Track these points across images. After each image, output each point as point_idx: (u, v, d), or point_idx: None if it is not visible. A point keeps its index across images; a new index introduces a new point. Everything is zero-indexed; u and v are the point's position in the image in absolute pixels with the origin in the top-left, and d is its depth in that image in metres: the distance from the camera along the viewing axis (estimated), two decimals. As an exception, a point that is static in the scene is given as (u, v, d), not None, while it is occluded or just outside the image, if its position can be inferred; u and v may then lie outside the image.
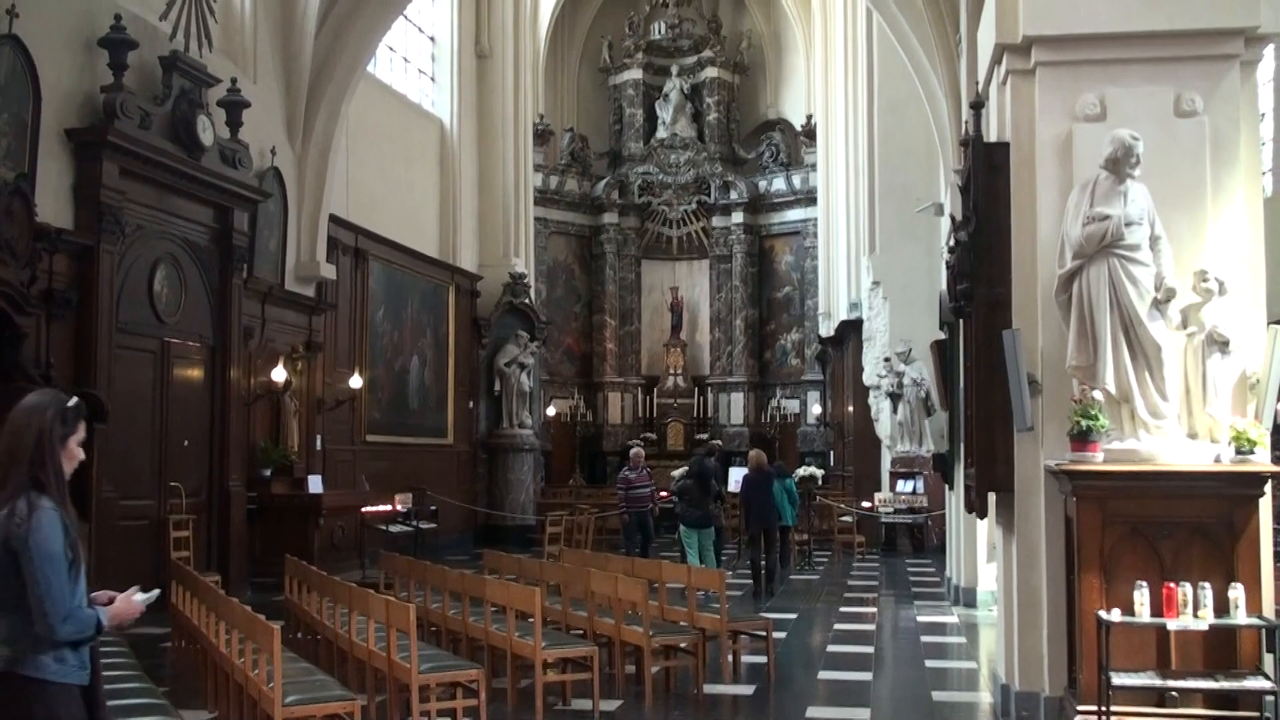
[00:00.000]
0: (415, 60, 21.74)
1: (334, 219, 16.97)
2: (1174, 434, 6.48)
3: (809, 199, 27.38)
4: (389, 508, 16.00)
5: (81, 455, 3.70)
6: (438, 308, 21.25)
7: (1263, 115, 14.86)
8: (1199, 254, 6.82)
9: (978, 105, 8.00)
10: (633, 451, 17.17)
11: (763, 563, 14.86)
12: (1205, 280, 6.64)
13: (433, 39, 22.26)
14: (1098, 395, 6.48)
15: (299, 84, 15.80)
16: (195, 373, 13.68)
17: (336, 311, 17.41)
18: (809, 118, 27.55)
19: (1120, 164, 6.58)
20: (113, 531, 11.63)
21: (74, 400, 3.69)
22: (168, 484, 12.92)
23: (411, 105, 21.26)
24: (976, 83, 8.83)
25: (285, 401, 15.60)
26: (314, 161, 16.15)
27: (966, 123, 8.83)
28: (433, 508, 17.97)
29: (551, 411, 26.11)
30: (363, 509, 15.81)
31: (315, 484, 15.26)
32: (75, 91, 11.57)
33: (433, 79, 22.23)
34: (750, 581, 14.88)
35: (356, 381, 17.58)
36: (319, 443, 16.68)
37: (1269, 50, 7.45)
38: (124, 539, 11.87)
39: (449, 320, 21.56)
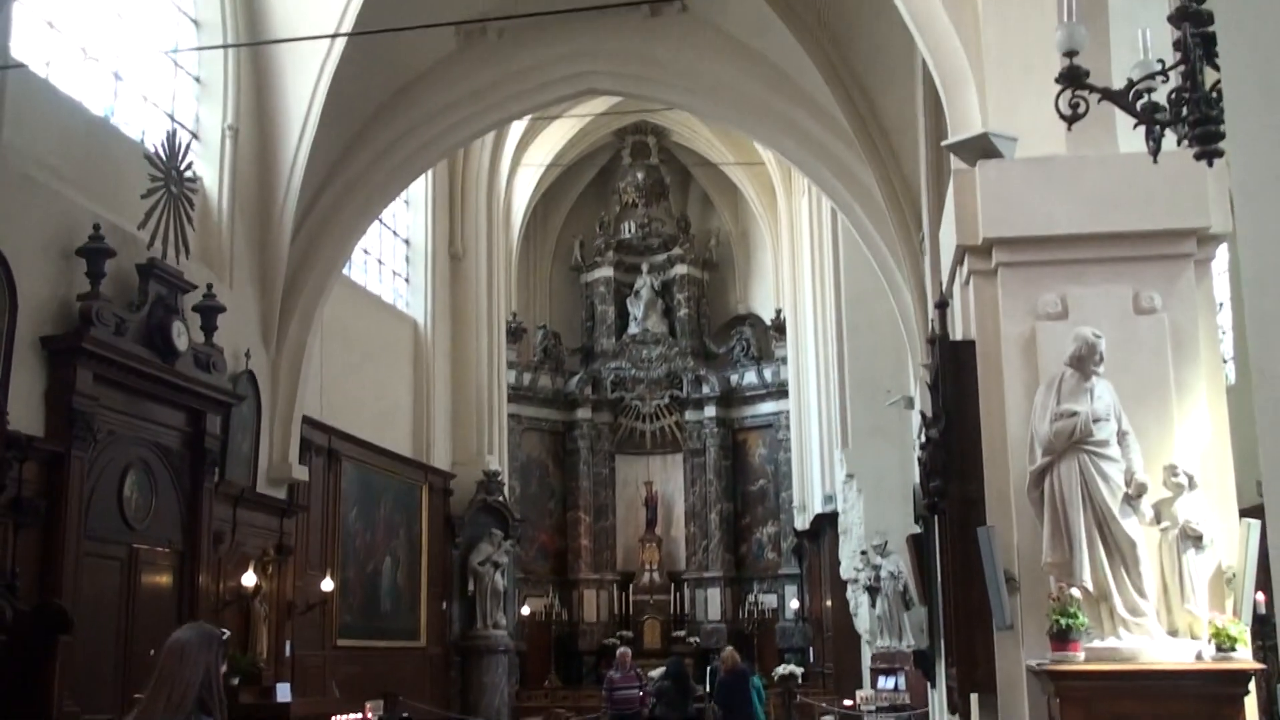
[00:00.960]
0: (390, 262, 22.10)
1: (307, 420, 16.97)
2: (1154, 631, 6.44)
3: (781, 392, 27.61)
4: (360, 715, 15.55)
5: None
6: (411, 507, 21.10)
7: (1220, 305, 15.18)
8: (1167, 448, 6.88)
9: (942, 305, 8.17)
10: (619, 651, 16.94)
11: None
12: (1175, 475, 6.68)
13: (407, 241, 22.68)
14: (1075, 593, 6.44)
15: (274, 289, 16.01)
16: (164, 579, 13.45)
17: (309, 513, 17.25)
18: (778, 312, 28.01)
19: (1084, 361, 6.69)
20: (73, 748, 11.24)
21: (225, 634, 4.36)
22: (131, 695, 12.55)
23: (385, 306, 21.52)
24: (940, 281, 9.03)
25: (255, 607, 15.31)
26: (288, 364, 16.24)
27: (933, 320, 8.99)
28: (405, 715, 17.49)
29: (526, 611, 25.69)
30: (333, 718, 15.37)
31: (284, 692, 14.86)
32: (51, 299, 11.67)
33: (407, 280, 22.56)
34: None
35: (328, 584, 17.32)
36: (288, 649, 16.32)
37: (1222, 247, 7.67)
38: (84, 755, 11.46)
39: (422, 520, 21.38)
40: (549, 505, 28.25)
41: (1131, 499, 6.53)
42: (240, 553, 15.14)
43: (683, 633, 27.13)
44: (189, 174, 13.50)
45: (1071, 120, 5.60)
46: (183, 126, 14.94)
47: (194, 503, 13.87)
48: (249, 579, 15.03)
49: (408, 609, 20.72)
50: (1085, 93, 5.54)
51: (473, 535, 22.56)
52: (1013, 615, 6.93)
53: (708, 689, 15.20)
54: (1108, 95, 5.57)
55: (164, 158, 13.12)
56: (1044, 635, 6.52)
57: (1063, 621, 6.34)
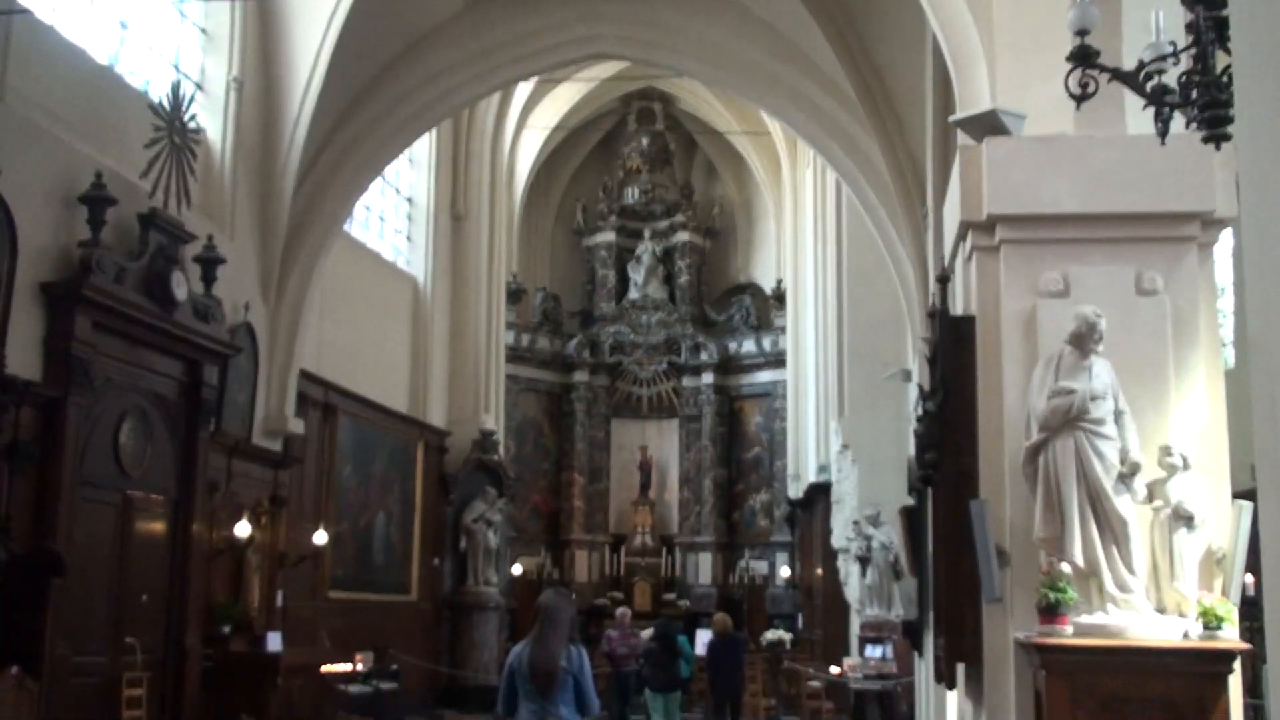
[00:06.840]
0: (391, 220, 22.04)
1: (304, 374, 16.98)
2: (1142, 608, 6.49)
3: (778, 361, 27.62)
4: (349, 666, 15.65)
5: None
6: (406, 464, 21.15)
7: (1222, 290, 15.20)
8: (1163, 429, 6.91)
9: (944, 279, 8.18)
10: (619, 611, 17.12)
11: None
12: (1169, 455, 6.72)
13: (410, 200, 22.61)
14: (1065, 568, 6.49)
15: (275, 242, 15.98)
16: (157, 526, 13.50)
17: (304, 466, 17.29)
18: (779, 282, 27.99)
19: (1084, 339, 6.71)
20: (64, 690, 11.31)
21: (574, 595, 6.18)
22: (123, 640, 12.64)
23: (386, 264, 21.47)
24: (943, 257, 9.03)
25: (248, 557, 15.38)
26: (286, 317, 16.23)
27: (933, 295, 9.00)
28: (394, 667, 17.62)
29: (518, 570, 25.80)
30: (322, 668, 15.48)
31: (274, 641, 14.96)
32: (52, 246, 11.66)
33: (408, 238, 22.51)
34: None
35: (321, 537, 17.39)
36: (280, 599, 16.40)
37: (1226, 231, 7.67)
38: (75, 698, 11.55)
39: (416, 476, 21.43)
40: (543, 466, 28.33)
41: (1125, 478, 6.57)
42: (234, 503, 15.19)
43: (673, 595, 27.30)
44: (193, 125, 13.46)
45: (1080, 99, 5.60)
46: (187, 78, 14.88)
47: (189, 452, 13.91)
48: (242, 529, 15.09)
49: (399, 564, 20.82)
50: (1095, 72, 5.54)
51: (466, 493, 22.61)
52: (1002, 588, 6.98)
53: (694, 651, 15.26)
54: (1117, 76, 5.57)
55: (168, 108, 13.07)
56: (1032, 609, 6.58)
57: (1051, 596, 6.39)
